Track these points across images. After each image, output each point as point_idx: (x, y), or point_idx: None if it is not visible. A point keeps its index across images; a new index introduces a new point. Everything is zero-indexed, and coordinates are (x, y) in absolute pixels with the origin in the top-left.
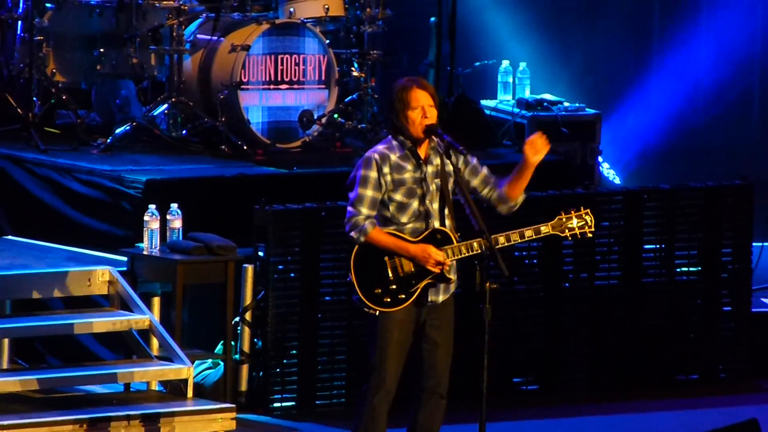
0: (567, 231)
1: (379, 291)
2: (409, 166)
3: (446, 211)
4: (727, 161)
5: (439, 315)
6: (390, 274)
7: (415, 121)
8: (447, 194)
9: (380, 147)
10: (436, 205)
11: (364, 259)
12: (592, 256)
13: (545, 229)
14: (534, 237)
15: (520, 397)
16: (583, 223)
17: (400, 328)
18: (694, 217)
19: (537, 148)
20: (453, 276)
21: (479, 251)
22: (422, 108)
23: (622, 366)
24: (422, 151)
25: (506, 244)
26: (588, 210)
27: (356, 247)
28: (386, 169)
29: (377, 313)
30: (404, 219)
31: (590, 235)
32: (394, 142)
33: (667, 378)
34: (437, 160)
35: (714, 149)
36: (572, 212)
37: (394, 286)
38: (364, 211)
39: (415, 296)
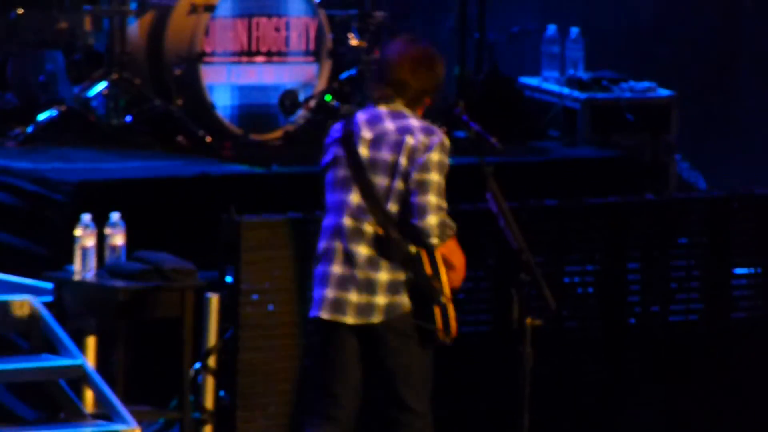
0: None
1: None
2: None
3: None
4: None
5: None
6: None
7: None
8: None
9: (432, 127)
10: None
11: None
12: (667, 284)
13: None
14: None
15: None
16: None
17: None
18: None
19: None
20: None
21: None
22: None
23: (707, 427)
24: None
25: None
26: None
27: (438, 253)
28: None
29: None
30: None
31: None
32: (427, 123)
33: None
34: None
35: None
36: None
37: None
38: (445, 206)
39: None
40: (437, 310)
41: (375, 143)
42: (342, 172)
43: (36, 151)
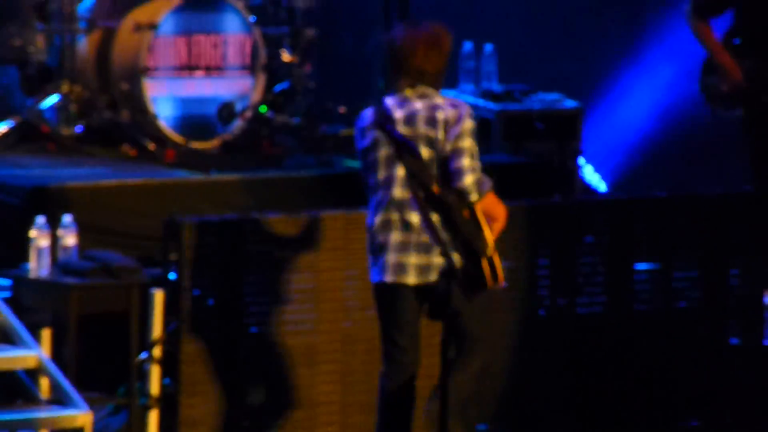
0: None
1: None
2: None
3: None
4: (737, 165)
5: None
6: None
7: None
8: None
9: (459, 101)
10: None
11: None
12: (574, 279)
13: None
14: None
15: None
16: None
17: None
18: (697, 232)
19: None
20: None
21: None
22: None
23: (608, 411)
24: None
25: None
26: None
27: (478, 207)
28: None
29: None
30: None
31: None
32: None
33: (664, 425)
34: None
35: (721, 152)
36: None
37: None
38: (480, 167)
39: None
40: (485, 262)
41: (408, 121)
42: (384, 151)
43: None
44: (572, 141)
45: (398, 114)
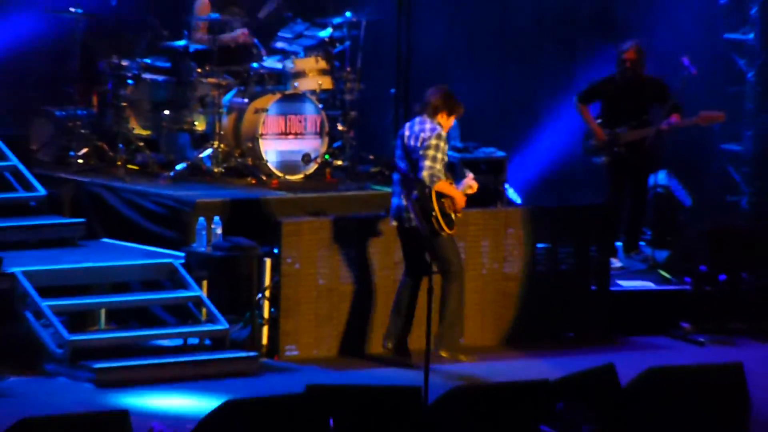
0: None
1: (446, 220)
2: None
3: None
4: (603, 189)
5: None
6: (446, 209)
7: (449, 123)
8: None
9: (437, 126)
10: None
11: (437, 198)
12: (502, 252)
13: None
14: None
15: None
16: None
17: None
18: (573, 226)
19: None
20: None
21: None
22: None
23: (521, 329)
24: None
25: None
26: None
27: (433, 189)
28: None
29: (445, 234)
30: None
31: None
32: (438, 124)
33: (552, 336)
34: None
35: (593, 181)
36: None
37: (447, 216)
38: (438, 167)
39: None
40: (433, 219)
41: (409, 137)
42: (399, 151)
43: (175, 185)
44: (501, 174)
45: (406, 132)
